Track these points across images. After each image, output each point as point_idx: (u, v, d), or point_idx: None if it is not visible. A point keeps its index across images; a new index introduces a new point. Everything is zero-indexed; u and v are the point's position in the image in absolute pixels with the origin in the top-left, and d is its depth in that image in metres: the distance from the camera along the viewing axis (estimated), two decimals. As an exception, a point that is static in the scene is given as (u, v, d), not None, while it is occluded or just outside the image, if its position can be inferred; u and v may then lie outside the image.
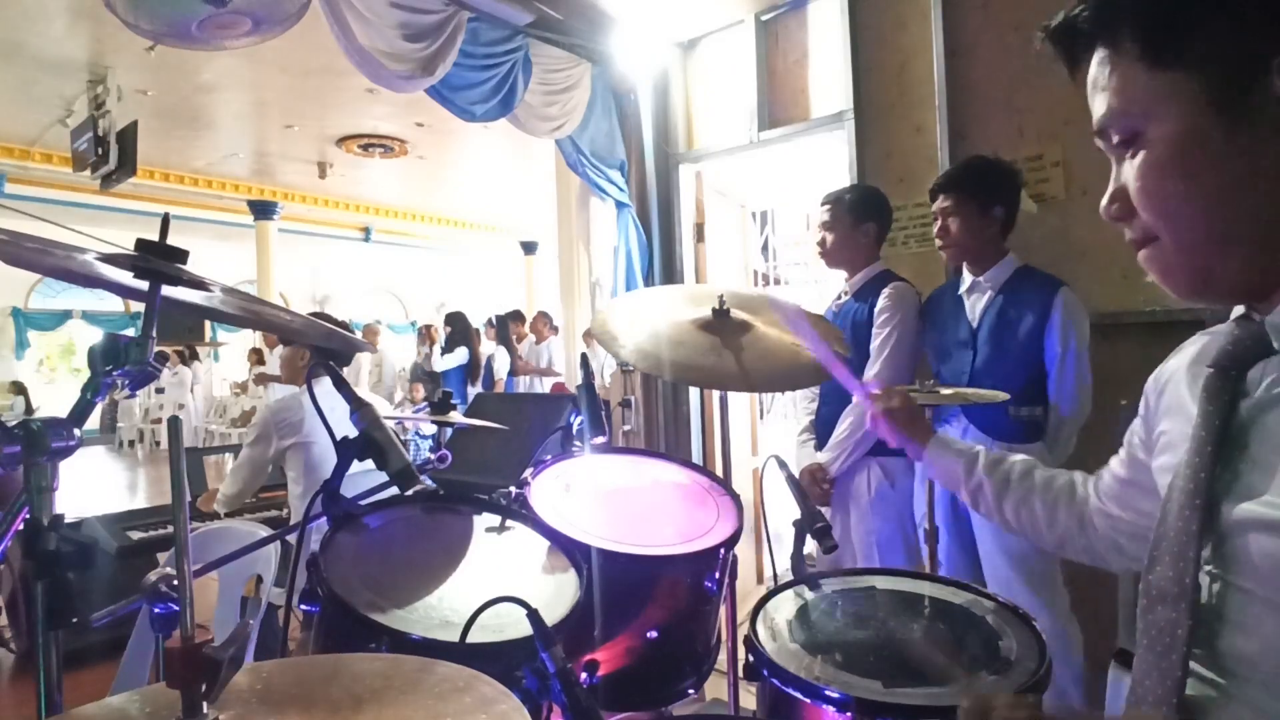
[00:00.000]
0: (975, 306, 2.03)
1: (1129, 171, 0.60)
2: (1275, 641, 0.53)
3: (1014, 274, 1.99)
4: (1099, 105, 0.61)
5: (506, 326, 7.29)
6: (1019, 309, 1.94)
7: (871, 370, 2.15)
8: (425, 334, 7.62)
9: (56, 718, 0.68)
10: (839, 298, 2.36)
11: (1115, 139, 0.61)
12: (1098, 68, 0.61)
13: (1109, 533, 0.88)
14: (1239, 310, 0.64)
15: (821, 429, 2.30)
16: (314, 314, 2.17)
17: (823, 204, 2.33)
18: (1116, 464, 0.87)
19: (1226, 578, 0.56)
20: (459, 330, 6.84)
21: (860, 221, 2.28)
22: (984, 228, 1.99)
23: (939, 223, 2.05)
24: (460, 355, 6.75)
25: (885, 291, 2.19)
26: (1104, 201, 0.64)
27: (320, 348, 2.45)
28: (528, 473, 1.29)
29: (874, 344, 2.17)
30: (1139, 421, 0.81)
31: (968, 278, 2.06)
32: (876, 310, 2.18)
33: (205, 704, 0.54)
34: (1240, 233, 0.56)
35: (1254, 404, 0.58)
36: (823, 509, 1.94)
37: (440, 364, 6.79)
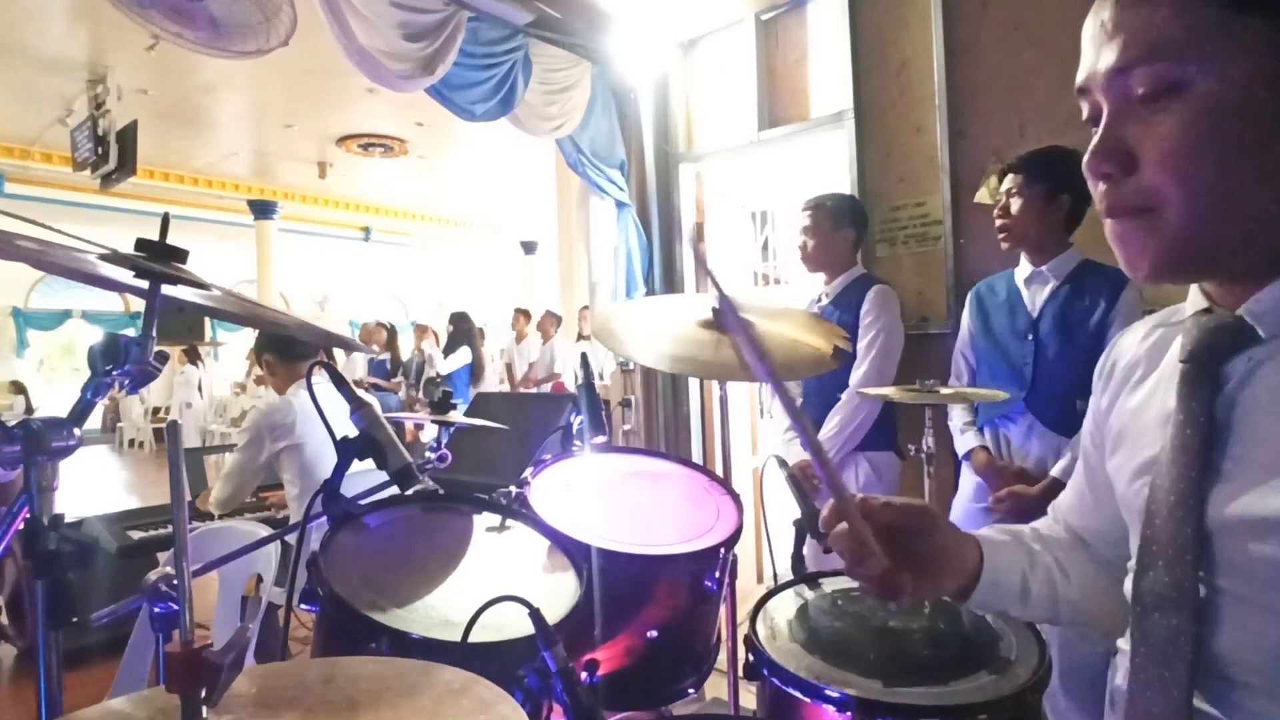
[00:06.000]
0: (1036, 297, 1.97)
1: (1154, 128, 0.51)
2: (1276, 648, 0.51)
3: (1078, 265, 1.94)
4: (1130, 40, 0.52)
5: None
6: (1088, 299, 1.89)
7: (858, 371, 2.19)
8: (426, 333, 7.60)
9: None
10: (819, 300, 2.40)
11: (1140, 89, 0.52)
12: None
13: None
14: (1199, 304, 0.61)
15: None
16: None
17: (804, 209, 2.39)
18: (1074, 476, 0.83)
19: (1216, 582, 0.53)
20: (461, 330, 6.84)
21: (838, 227, 2.34)
22: (1048, 214, 1.92)
23: (1001, 202, 1.98)
24: (464, 355, 6.75)
25: (870, 294, 2.25)
26: (1090, 155, 0.55)
27: (286, 358, 2.47)
28: (528, 472, 1.29)
29: (860, 344, 2.21)
30: (1089, 421, 0.77)
31: (1027, 267, 2.00)
32: (862, 313, 2.24)
33: (205, 709, 0.54)
34: (1260, 215, 0.51)
35: (1230, 397, 0.55)
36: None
37: (444, 366, 6.78)
